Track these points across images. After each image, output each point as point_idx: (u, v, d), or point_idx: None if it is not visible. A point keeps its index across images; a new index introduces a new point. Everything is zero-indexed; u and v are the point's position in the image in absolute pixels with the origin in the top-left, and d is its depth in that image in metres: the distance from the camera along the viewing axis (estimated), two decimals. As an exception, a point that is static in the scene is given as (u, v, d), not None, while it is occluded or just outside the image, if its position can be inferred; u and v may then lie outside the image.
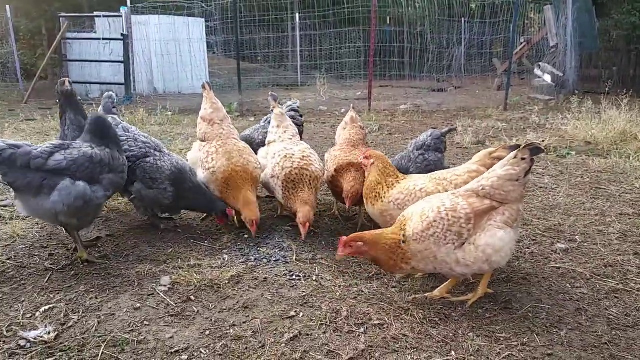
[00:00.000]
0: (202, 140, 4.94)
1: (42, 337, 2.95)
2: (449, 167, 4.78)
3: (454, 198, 3.29)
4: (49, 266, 3.91)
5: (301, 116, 6.04)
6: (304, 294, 3.53)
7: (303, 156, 4.58)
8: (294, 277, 3.79)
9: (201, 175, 4.69)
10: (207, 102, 5.09)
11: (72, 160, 3.80)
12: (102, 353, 2.83)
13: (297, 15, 21.16)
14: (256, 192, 4.71)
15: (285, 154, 4.60)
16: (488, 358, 2.83)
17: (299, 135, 5.10)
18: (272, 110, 5.25)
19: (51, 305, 3.32)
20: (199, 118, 5.10)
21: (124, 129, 4.71)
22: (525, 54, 18.65)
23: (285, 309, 3.32)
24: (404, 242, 3.23)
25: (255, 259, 4.10)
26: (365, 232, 3.41)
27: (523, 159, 3.18)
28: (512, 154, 3.25)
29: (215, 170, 4.58)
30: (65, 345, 2.90)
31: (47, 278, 3.71)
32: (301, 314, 3.26)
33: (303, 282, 3.72)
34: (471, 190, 3.31)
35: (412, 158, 4.61)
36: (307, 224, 4.23)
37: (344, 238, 3.28)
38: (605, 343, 3.00)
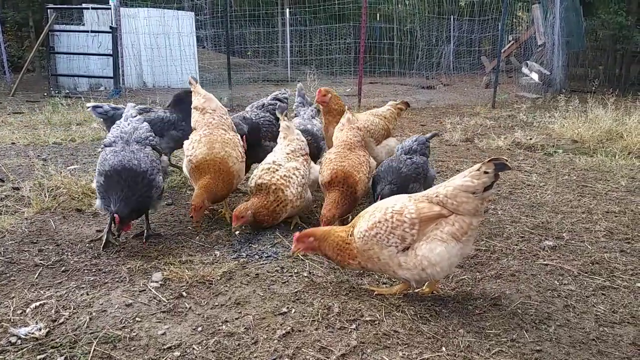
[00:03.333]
0: (194, 129, 4.94)
1: (33, 333, 2.93)
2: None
3: (406, 201, 3.25)
4: (39, 262, 3.88)
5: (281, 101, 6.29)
6: (296, 290, 3.54)
7: (284, 175, 4.55)
8: (285, 273, 3.80)
9: (184, 163, 4.75)
10: (198, 94, 5.07)
11: (148, 119, 5.08)
12: (94, 350, 2.82)
13: (287, 10, 21.12)
14: (227, 185, 4.61)
15: (269, 167, 4.64)
16: (478, 354, 2.87)
17: (304, 150, 4.95)
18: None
19: (42, 302, 3.29)
20: (192, 108, 5.09)
21: (126, 117, 4.65)
22: (513, 53, 18.79)
23: (277, 305, 3.33)
24: (350, 235, 3.29)
25: (247, 255, 4.10)
26: (317, 228, 3.53)
27: (486, 172, 3.03)
28: (477, 165, 3.11)
29: (192, 159, 4.57)
30: (56, 342, 2.88)
31: (37, 274, 3.69)
32: (293, 310, 3.28)
33: (295, 278, 3.73)
34: (426, 195, 3.25)
35: (402, 160, 4.64)
36: (235, 218, 4.31)
37: (297, 234, 3.40)
38: (593, 339, 3.06)
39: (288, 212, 4.59)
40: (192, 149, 4.62)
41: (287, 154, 4.81)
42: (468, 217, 3.15)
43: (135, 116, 4.69)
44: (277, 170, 4.58)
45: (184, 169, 4.76)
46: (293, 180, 4.55)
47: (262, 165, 4.72)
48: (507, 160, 3.08)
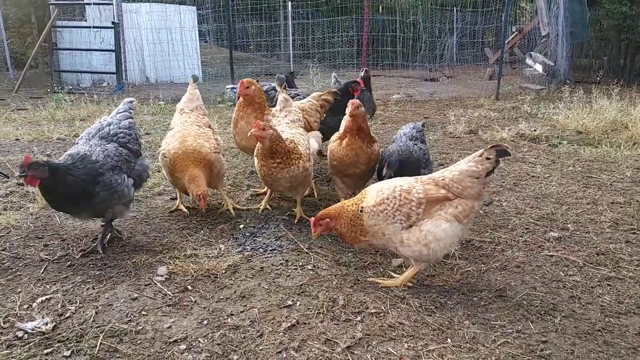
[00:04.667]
0: (172, 129, 5.00)
1: (39, 328, 2.95)
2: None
3: (413, 182, 3.38)
4: (45, 257, 3.90)
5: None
6: (301, 283, 3.54)
7: (291, 137, 4.50)
8: (290, 266, 3.81)
9: (159, 157, 4.77)
10: (186, 93, 5.23)
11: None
12: (101, 343, 2.83)
13: (290, 3, 21.03)
14: (207, 172, 4.52)
15: None
16: (484, 345, 2.87)
17: (301, 121, 5.05)
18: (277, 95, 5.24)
19: (48, 296, 3.31)
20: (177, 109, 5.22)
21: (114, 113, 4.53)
22: (517, 44, 18.68)
23: (282, 298, 3.34)
24: (360, 210, 3.35)
25: (252, 249, 4.11)
26: (329, 208, 3.55)
27: (488, 158, 3.21)
28: (479, 151, 3.27)
29: (166, 153, 4.56)
30: (63, 336, 2.90)
31: (42, 269, 3.70)
32: (298, 303, 3.28)
33: (299, 271, 3.74)
34: (432, 178, 3.39)
35: (410, 146, 4.55)
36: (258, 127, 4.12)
37: (314, 218, 3.48)
38: (599, 330, 3.05)
39: (301, 170, 4.35)
40: (165, 144, 4.66)
41: (287, 123, 4.83)
42: (471, 200, 3.29)
43: (122, 112, 4.43)
44: (282, 133, 4.52)
45: (161, 163, 4.74)
46: (301, 142, 4.52)
47: None
48: (507, 147, 3.23)
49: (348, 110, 4.39)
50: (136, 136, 4.34)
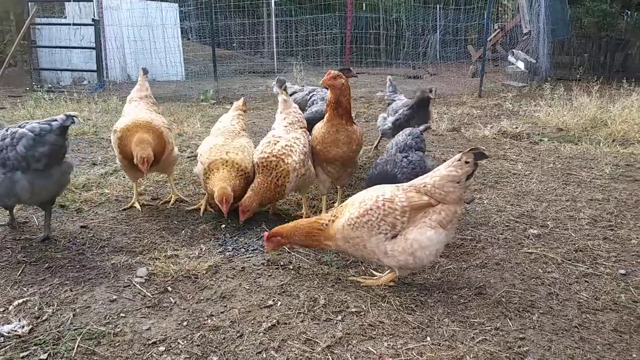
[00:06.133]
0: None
1: (15, 331, 2.90)
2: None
3: (395, 190, 3.36)
4: (22, 259, 3.83)
5: None
6: (282, 282, 3.54)
7: (285, 145, 4.46)
8: (271, 265, 3.80)
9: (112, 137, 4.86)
10: (136, 85, 5.45)
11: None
12: (78, 346, 2.80)
13: (273, 1, 20.95)
14: (160, 143, 4.67)
15: (269, 140, 4.58)
16: (462, 343, 2.89)
17: (302, 122, 4.95)
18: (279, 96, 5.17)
19: (25, 299, 3.26)
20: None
21: None
22: (499, 41, 18.81)
23: (263, 298, 3.33)
24: (326, 225, 3.39)
25: (233, 249, 4.09)
26: (282, 227, 3.56)
27: (467, 162, 3.23)
28: (457, 156, 3.28)
29: (116, 128, 4.69)
30: (40, 339, 2.86)
31: (20, 271, 3.64)
32: (279, 302, 3.28)
33: (281, 271, 3.73)
34: (413, 186, 3.37)
35: (397, 162, 4.31)
36: (242, 212, 4.30)
37: (266, 234, 3.53)
38: (576, 326, 3.09)
39: (294, 182, 4.41)
40: (117, 123, 4.81)
41: (285, 126, 4.77)
42: (453, 205, 3.28)
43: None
44: (277, 142, 4.51)
45: (112, 142, 4.85)
46: (295, 148, 4.47)
47: (263, 140, 4.69)
48: (484, 149, 3.26)
49: (324, 80, 4.35)
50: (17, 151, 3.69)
